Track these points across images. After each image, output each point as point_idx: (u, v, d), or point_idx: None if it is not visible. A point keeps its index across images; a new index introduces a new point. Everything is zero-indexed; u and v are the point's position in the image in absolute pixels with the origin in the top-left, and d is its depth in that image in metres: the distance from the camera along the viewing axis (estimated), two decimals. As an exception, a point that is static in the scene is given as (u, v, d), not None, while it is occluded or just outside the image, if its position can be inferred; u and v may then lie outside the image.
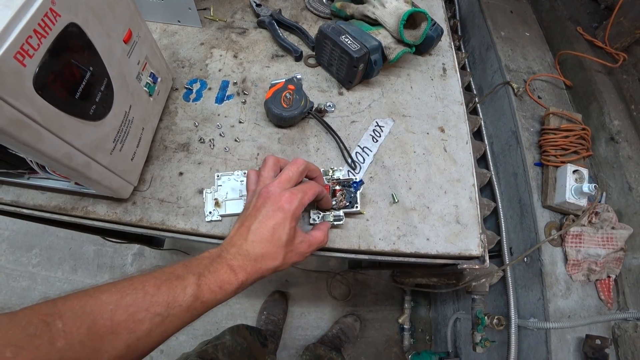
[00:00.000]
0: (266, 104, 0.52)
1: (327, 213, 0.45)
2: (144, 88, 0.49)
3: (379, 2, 0.55)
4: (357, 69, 0.51)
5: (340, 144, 0.51)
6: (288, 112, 0.50)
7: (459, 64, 1.05)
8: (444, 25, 0.66)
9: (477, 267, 0.46)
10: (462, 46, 1.10)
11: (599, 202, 0.77)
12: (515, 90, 0.89)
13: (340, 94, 0.57)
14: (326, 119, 0.54)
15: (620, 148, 0.79)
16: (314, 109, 0.53)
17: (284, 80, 0.53)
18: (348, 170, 0.50)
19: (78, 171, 0.41)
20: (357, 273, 1.34)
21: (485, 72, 1.03)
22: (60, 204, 0.52)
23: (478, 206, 0.51)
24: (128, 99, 0.46)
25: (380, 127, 0.54)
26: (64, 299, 0.27)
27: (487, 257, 0.48)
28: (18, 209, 0.54)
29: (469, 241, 0.48)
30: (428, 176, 0.52)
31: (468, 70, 1.06)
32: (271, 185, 0.37)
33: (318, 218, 0.45)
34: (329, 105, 0.55)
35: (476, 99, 1.00)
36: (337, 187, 0.46)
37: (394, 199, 0.49)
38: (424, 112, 0.57)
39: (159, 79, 0.52)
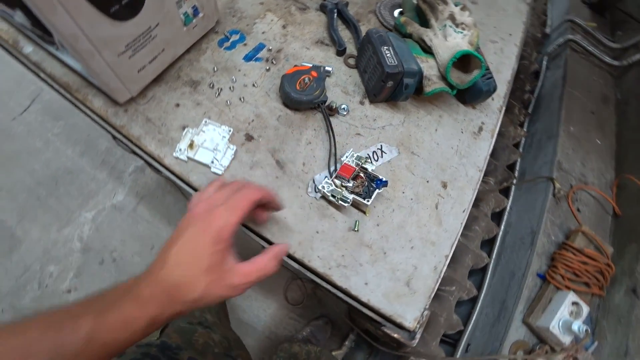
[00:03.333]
0: (282, 78, 0.50)
1: (339, 189, 0.44)
2: (181, 15, 0.48)
3: (442, 33, 0.51)
4: (384, 85, 0.48)
5: (332, 149, 0.48)
6: (296, 95, 0.48)
7: (514, 140, 0.97)
8: (504, 87, 0.60)
9: (399, 337, 0.41)
10: (525, 124, 1.01)
11: (585, 349, 0.67)
12: (556, 191, 0.80)
13: (361, 103, 0.54)
14: (334, 120, 0.51)
15: (637, 305, 0.68)
16: (326, 103, 0.51)
17: (311, 65, 0.51)
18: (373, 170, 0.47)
19: (81, 56, 0.42)
20: (319, 288, 1.29)
21: (536, 159, 0.94)
22: (70, 82, 0.54)
23: (439, 280, 0.46)
24: (157, 17, 0.45)
25: (382, 151, 0.50)
26: None
27: (418, 335, 0.43)
28: (38, 71, 0.57)
29: (408, 309, 0.42)
30: (403, 223, 0.47)
31: (520, 150, 0.98)
32: (199, 203, 0.33)
33: (319, 185, 0.45)
34: (343, 108, 0.52)
35: (514, 180, 0.92)
36: (361, 175, 0.45)
37: (355, 227, 0.45)
38: (435, 159, 0.52)
39: (200, 14, 0.52)
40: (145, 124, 0.50)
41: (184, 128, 0.50)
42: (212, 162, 0.47)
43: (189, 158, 0.47)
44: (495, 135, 0.57)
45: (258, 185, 0.35)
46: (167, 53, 0.51)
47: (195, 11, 0.51)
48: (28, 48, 0.55)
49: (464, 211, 0.50)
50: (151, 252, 1.33)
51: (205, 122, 0.50)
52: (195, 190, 0.47)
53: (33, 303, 1.23)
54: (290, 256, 0.43)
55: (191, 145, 0.48)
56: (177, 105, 0.52)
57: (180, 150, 0.48)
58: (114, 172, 1.44)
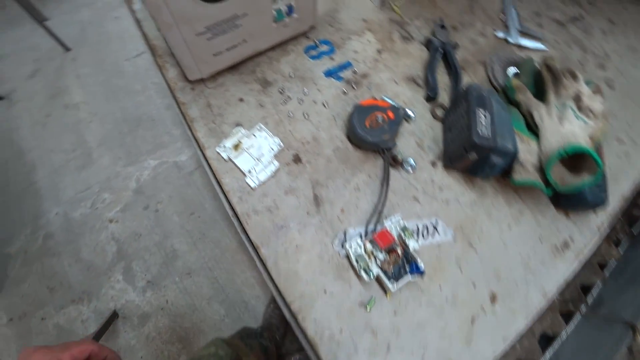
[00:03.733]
0: (355, 107, 0.45)
1: (367, 258, 0.38)
2: (273, 11, 0.46)
3: (558, 113, 0.41)
4: (466, 154, 0.40)
5: (380, 205, 0.41)
6: (362, 132, 0.42)
7: (601, 258, 0.78)
8: (616, 204, 0.47)
9: None
10: (623, 244, 0.81)
11: None
12: (634, 345, 0.62)
13: (433, 164, 0.46)
14: (394, 173, 0.45)
15: None
16: (391, 150, 0.44)
17: (392, 103, 0.45)
18: (415, 250, 0.40)
19: (161, 25, 0.42)
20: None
21: (621, 293, 0.74)
22: (157, 46, 0.56)
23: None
24: (247, 7, 0.44)
25: (435, 229, 0.42)
26: None
27: None
28: (137, 28, 0.61)
29: None
30: (425, 323, 0.38)
31: (605, 273, 0.79)
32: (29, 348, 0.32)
33: (348, 242, 0.39)
34: (410, 163, 0.45)
35: (583, 307, 0.74)
36: (398, 250, 0.38)
37: (368, 303, 0.38)
38: (494, 263, 0.42)
39: (294, 15, 0.49)
40: (204, 108, 0.50)
41: (237, 125, 0.47)
42: (250, 171, 0.44)
43: (229, 158, 0.45)
44: (582, 261, 0.44)
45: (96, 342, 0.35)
46: (248, 45, 0.49)
47: (290, 10, 0.48)
48: (137, 5, 0.59)
49: (504, 339, 0.39)
50: (189, 217, 1.38)
51: (260, 127, 0.47)
52: (224, 192, 0.45)
53: (81, 218, 1.36)
54: (285, 304, 0.38)
55: (237, 147, 0.45)
56: (241, 100, 0.50)
57: (224, 147, 0.45)
58: (187, 134, 1.54)
